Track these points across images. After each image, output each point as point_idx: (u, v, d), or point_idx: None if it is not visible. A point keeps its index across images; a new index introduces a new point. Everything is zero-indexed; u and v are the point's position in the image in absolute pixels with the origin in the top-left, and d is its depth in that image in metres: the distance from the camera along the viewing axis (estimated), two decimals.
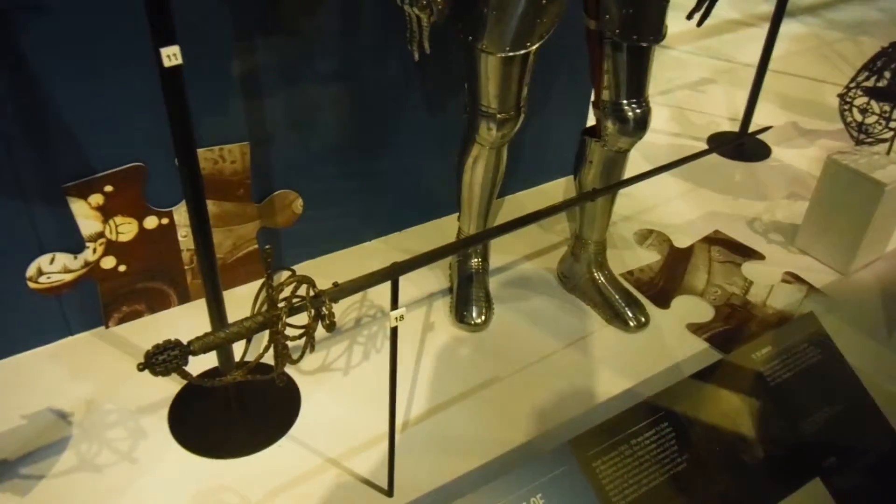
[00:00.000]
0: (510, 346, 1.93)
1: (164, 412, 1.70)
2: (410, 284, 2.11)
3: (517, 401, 1.78)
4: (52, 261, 1.75)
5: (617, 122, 1.75)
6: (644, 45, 1.63)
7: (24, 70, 1.53)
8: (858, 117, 2.44)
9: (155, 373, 0.98)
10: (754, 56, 2.80)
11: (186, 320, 1.96)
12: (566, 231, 2.37)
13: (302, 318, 1.12)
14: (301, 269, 2.14)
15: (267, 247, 1.04)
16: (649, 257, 2.28)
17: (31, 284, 1.75)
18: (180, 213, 1.86)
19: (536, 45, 1.58)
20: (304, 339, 1.11)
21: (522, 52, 1.58)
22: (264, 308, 1.08)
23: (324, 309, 1.09)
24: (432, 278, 2.15)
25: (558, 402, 1.79)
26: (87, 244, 1.77)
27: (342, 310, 2.01)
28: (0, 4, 1.45)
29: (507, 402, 1.78)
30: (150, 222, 1.83)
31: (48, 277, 1.76)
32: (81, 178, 1.69)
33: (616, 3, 1.57)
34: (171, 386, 1.76)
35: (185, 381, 1.75)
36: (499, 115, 1.72)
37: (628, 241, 2.36)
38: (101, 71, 1.61)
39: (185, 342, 1.02)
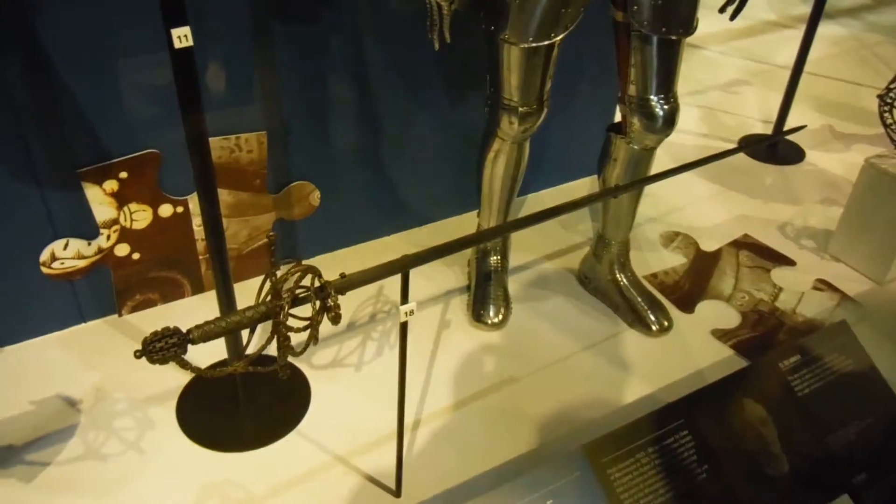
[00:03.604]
0: (527, 347, 1.88)
1: (173, 403, 1.68)
2: (427, 281, 2.07)
3: (532, 403, 1.73)
4: (65, 246, 1.73)
5: (644, 118, 1.69)
6: (673, 38, 1.56)
7: (41, 54, 1.52)
8: None
9: (152, 360, 0.95)
10: (790, 58, 2.71)
11: (200, 311, 1.93)
12: (589, 231, 2.31)
13: (308, 310, 1.08)
14: (316, 262, 2.11)
15: (271, 233, 1.01)
16: (674, 260, 2.21)
17: (45, 270, 1.74)
18: (195, 202, 1.83)
19: (561, 36, 1.53)
20: (308, 331, 1.07)
21: (546, 42, 1.53)
22: (268, 298, 1.05)
23: (329, 301, 1.04)
24: (450, 275, 2.11)
25: (575, 406, 1.73)
26: (101, 231, 1.76)
27: (356, 304, 1.98)
28: None
29: (522, 405, 1.72)
30: (165, 210, 1.81)
31: (62, 263, 1.75)
32: (97, 164, 1.68)
33: None
34: (180, 376, 1.73)
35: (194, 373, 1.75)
36: (521, 109, 1.67)
37: (653, 242, 2.29)
38: (117, 55, 1.59)
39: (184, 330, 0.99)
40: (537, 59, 1.59)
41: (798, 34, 2.69)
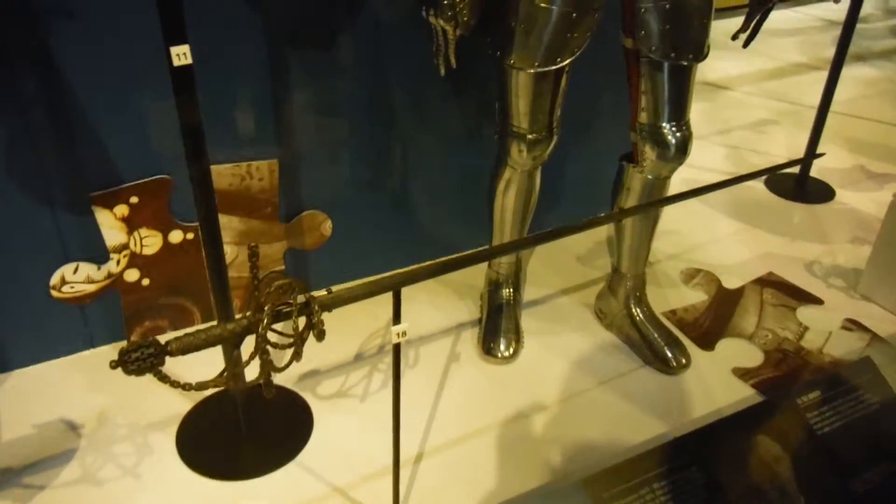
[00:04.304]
0: (538, 382, 1.82)
1: (173, 429, 1.66)
2: (437, 312, 2.04)
3: (540, 440, 1.66)
4: (75, 270, 1.75)
5: (656, 146, 1.65)
6: (684, 63, 1.54)
7: (56, 77, 1.55)
8: None
9: (127, 371, 0.93)
10: (820, 98, 2.66)
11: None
12: (606, 266, 2.25)
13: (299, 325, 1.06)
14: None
15: (252, 244, 0.99)
16: (695, 297, 2.14)
17: (55, 293, 1.75)
18: None
19: (568, 61, 1.51)
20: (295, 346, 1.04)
21: (553, 67, 1.52)
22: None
23: (314, 317, 1.02)
24: (462, 308, 2.07)
25: (587, 443, 1.66)
26: (112, 255, 1.77)
27: (366, 335, 1.95)
28: (34, 9, 1.47)
29: (531, 441, 1.66)
30: (175, 236, 1.82)
31: (71, 287, 1.76)
32: (108, 188, 1.70)
33: (654, 18, 1.49)
34: (184, 403, 1.71)
35: (196, 399, 1.73)
36: (529, 136, 1.65)
37: (673, 279, 2.22)
38: (130, 80, 1.62)
39: (163, 342, 0.97)
40: (545, 85, 1.58)
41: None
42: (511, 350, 1.87)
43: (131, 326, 1.87)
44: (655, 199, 1.70)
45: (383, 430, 1.64)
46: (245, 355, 1.07)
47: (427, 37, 1.55)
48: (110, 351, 1.87)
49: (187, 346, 0.97)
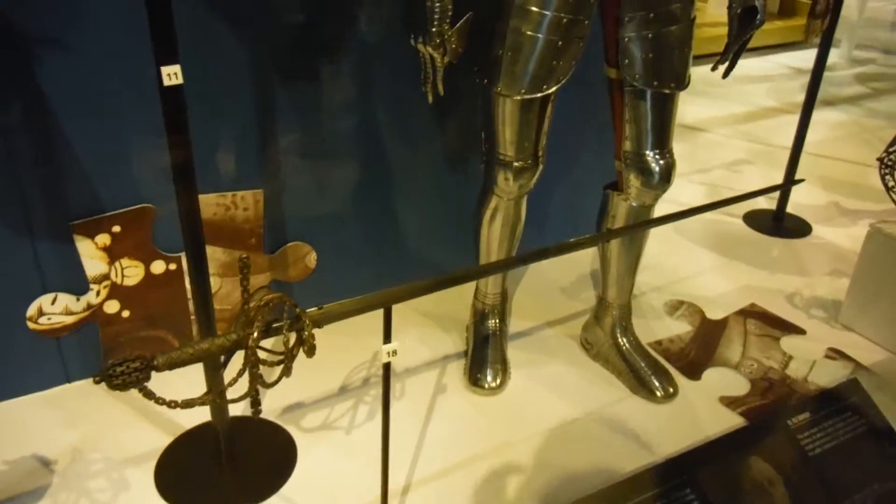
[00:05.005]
0: (525, 413, 1.80)
1: (152, 464, 1.60)
2: (422, 346, 2.02)
3: (529, 470, 1.63)
4: (53, 301, 1.71)
5: (640, 174, 1.68)
6: (666, 91, 1.57)
7: (38, 102, 1.54)
8: None
9: (112, 386, 0.90)
10: (791, 139, 2.72)
11: (189, 374, 1.87)
12: (591, 299, 2.25)
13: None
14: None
15: (244, 256, 0.97)
16: (679, 328, 2.15)
17: (31, 325, 1.70)
18: None
19: (554, 89, 1.54)
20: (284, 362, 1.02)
21: (539, 95, 1.54)
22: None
23: (305, 332, 1.00)
24: (448, 341, 2.05)
25: (575, 473, 1.63)
26: (91, 286, 1.73)
27: (350, 368, 1.92)
28: (17, 36, 1.47)
29: (518, 472, 1.63)
30: (157, 267, 1.79)
31: (49, 318, 1.72)
32: (90, 217, 1.67)
33: (637, 47, 1.52)
34: (162, 437, 1.66)
35: (175, 433, 1.68)
36: (516, 164, 1.66)
37: (657, 311, 2.23)
38: (115, 109, 1.61)
39: (150, 357, 0.94)
40: (531, 113, 1.60)
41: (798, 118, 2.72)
42: (498, 381, 1.85)
43: (109, 360, 1.82)
44: (642, 221, 1.71)
45: (369, 462, 1.61)
46: (232, 376, 1.05)
47: (412, 68, 1.57)
48: (86, 385, 1.81)
49: (174, 361, 0.94)
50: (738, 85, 4.40)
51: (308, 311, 1.03)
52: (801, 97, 2.64)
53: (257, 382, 0.99)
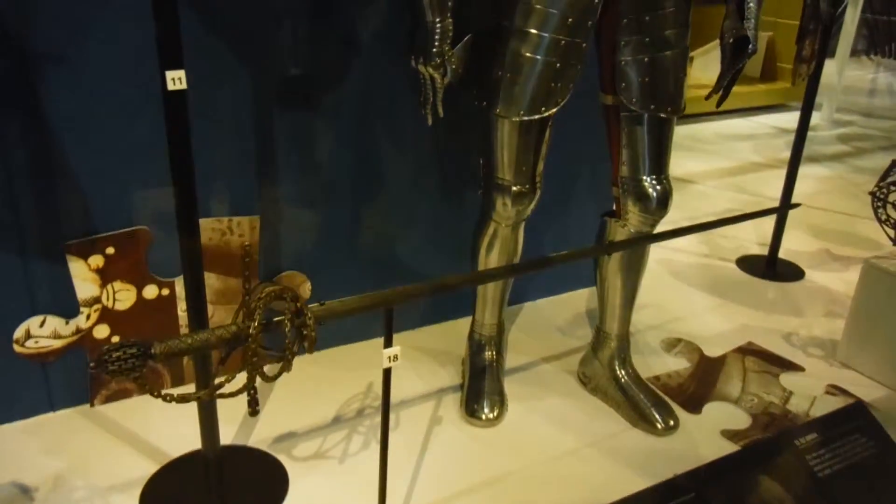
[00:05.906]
0: (523, 445, 1.75)
1: (137, 492, 1.54)
2: (419, 379, 1.98)
3: (528, 501, 1.58)
4: (42, 323, 1.67)
5: (638, 200, 1.68)
6: (662, 115, 1.59)
7: (34, 122, 1.54)
8: (894, 214, 2.32)
9: (107, 372, 0.87)
10: (779, 191, 2.76)
11: (180, 406, 1.82)
12: (587, 336, 2.22)
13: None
14: (304, 360, 2.02)
15: (246, 244, 0.96)
16: (677, 364, 2.12)
17: (17, 348, 1.66)
18: (182, 285, 1.79)
19: (552, 111, 1.56)
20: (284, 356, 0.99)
21: (537, 117, 1.56)
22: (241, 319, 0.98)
23: (307, 325, 0.98)
24: (444, 375, 2.02)
25: None
26: (82, 309, 1.70)
27: (345, 399, 1.87)
28: (14, 56, 1.48)
29: (517, 502, 1.57)
30: (150, 291, 1.76)
31: (36, 342, 1.67)
32: (83, 237, 1.65)
33: (634, 71, 1.56)
34: (148, 465, 1.60)
35: (163, 461, 1.62)
36: (513, 188, 1.67)
37: (655, 348, 2.21)
38: (112, 125, 1.61)
39: (149, 347, 0.92)
40: (529, 136, 1.61)
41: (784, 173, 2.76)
42: (495, 412, 1.81)
43: (96, 389, 1.77)
44: (644, 236, 1.71)
45: (363, 493, 1.55)
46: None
47: (411, 95, 1.59)
48: (71, 415, 1.75)
49: (172, 350, 0.91)
50: (725, 142, 4.49)
51: (310, 306, 1.01)
52: (786, 154, 2.70)
53: (256, 375, 0.95)
